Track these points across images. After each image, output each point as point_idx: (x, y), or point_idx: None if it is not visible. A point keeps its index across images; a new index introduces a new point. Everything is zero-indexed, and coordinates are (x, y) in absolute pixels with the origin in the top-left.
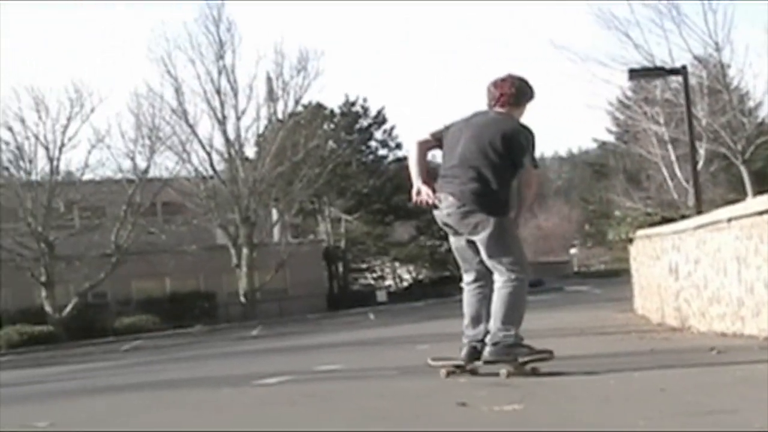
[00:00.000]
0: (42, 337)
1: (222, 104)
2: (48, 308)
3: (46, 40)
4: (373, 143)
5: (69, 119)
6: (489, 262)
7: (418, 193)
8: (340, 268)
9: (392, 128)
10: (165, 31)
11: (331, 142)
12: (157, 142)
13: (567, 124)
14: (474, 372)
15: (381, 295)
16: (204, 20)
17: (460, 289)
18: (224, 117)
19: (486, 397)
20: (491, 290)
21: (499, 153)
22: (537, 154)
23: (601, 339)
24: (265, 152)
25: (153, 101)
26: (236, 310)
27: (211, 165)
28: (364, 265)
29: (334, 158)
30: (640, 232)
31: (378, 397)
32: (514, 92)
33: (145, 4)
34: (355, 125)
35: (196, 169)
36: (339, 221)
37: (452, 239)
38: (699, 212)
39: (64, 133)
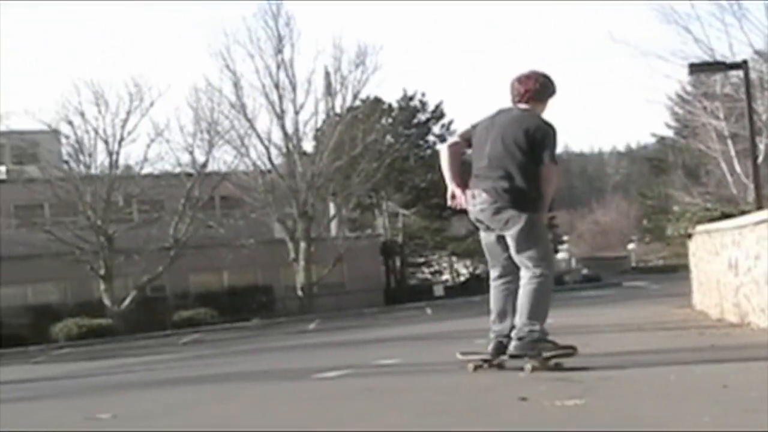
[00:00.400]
0: (100, 330)
1: (280, 98)
2: (106, 301)
3: (106, 35)
4: (431, 138)
5: (128, 113)
6: (517, 258)
7: (453, 197)
8: (398, 263)
9: (450, 122)
10: (224, 26)
11: (388, 137)
12: (216, 137)
13: (625, 119)
14: (501, 366)
15: (438, 290)
16: (263, 15)
17: None
18: (282, 111)
19: (546, 391)
20: (517, 286)
21: (523, 150)
22: (557, 149)
23: (660, 335)
24: (323, 146)
25: (212, 95)
26: (293, 304)
27: (269, 159)
28: (421, 260)
29: (392, 152)
30: (700, 228)
31: (438, 392)
32: (539, 88)
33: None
34: (413, 119)
35: (254, 163)
36: (396, 216)
37: (483, 235)
38: (759, 208)
39: (123, 127)
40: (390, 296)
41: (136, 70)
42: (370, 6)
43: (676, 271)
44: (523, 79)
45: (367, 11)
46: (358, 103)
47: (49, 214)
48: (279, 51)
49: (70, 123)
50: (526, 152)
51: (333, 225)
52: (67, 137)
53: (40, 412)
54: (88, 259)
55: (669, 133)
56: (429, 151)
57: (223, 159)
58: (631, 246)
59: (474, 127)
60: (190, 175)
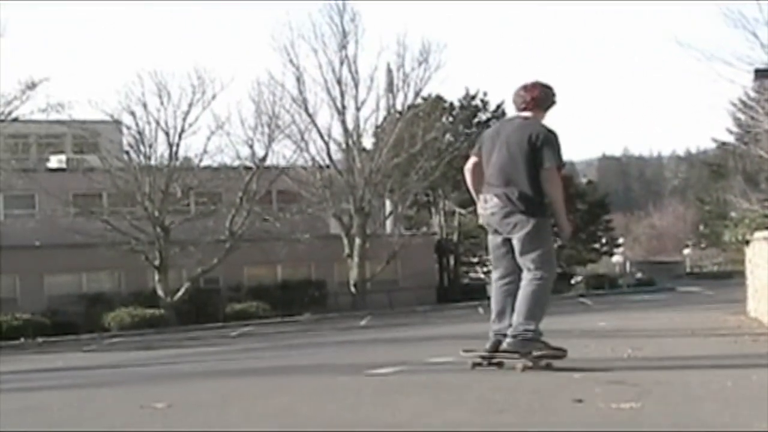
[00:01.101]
0: (153, 320)
1: (342, 94)
2: (160, 292)
3: (171, 26)
4: None
5: (190, 105)
6: (520, 260)
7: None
8: (452, 261)
9: None
10: (289, 20)
11: (448, 135)
12: (276, 131)
13: (686, 123)
14: (500, 364)
15: (491, 289)
16: (328, 10)
17: (570, 285)
18: (344, 107)
19: (602, 394)
20: (517, 287)
21: (527, 157)
22: (562, 154)
23: (714, 340)
24: (382, 143)
25: (274, 89)
26: (346, 300)
27: (329, 154)
28: (475, 259)
29: (451, 151)
30: (758, 234)
31: (494, 391)
32: (543, 96)
33: None
34: (473, 119)
35: (313, 159)
36: (453, 214)
37: (490, 237)
38: None
39: (185, 119)
40: (443, 294)
41: (200, 62)
42: (436, 3)
43: (731, 277)
44: (528, 87)
45: (432, 8)
46: (419, 100)
47: (107, 203)
48: (343, 47)
49: (132, 113)
50: (530, 158)
51: (389, 222)
52: (128, 128)
53: (95, 400)
54: (144, 250)
55: (730, 139)
56: None
57: (282, 153)
58: (686, 251)
59: (482, 139)
60: (248, 168)
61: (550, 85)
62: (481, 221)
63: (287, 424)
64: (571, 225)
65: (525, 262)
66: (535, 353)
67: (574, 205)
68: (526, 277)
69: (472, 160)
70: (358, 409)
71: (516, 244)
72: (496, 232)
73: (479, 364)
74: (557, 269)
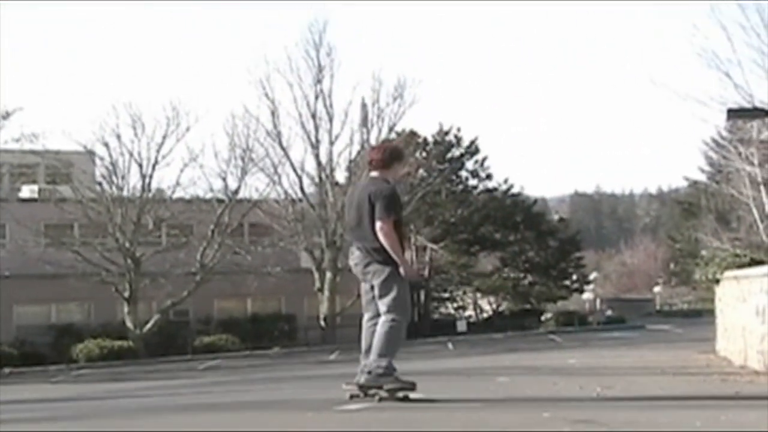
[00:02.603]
0: (122, 352)
1: (316, 128)
2: (129, 324)
3: (147, 58)
4: (463, 173)
5: (164, 137)
6: (378, 303)
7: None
8: (422, 297)
9: (484, 159)
10: (265, 54)
11: (421, 170)
12: (250, 164)
13: (658, 161)
14: (374, 396)
15: (461, 325)
16: (305, 44)
17: (540, 322)
18: (318, 141)
19: None
20: None
21: (370, 214)
22: (391, 207)
23: (683, 379)
24: (355, 177)
25: (248, 123)
26: (315, 334)
27: (301, 188)
28: (446, 294)
29: (424, 186)
30: (728, 273)
31: (461, 429)
32: (383, 157)
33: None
34: (447, 154)
35: (285, 192)
36: (424, 249)
37: (362, 284)
38: None
39: (158, 150)
40: (413, 330)
41: (175, 94)
42: (411, 39)
43: (701, 315)
44: (375, 149)
45: (407, 44)
46: (393, 135)
47: (78, 234)
48: (318, 81)
49: (106, 144)
50: (371, 214)
51: None
52: (101, 158)
53: None
54: (114, 281)
55: (702, 177)
56: (461, 187)
57: (255, 186)
58: (656, 289)
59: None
60: (221, 201)
61: (394, 144)
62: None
63: None
64: (417, 270)
65: (381, 305)
66: (387, 387)
67: (545, 241)
68: (381, 319)
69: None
70: None
71: (375, 289)
72: (363, 279)
73: (356, 396)
74: (409, 314)
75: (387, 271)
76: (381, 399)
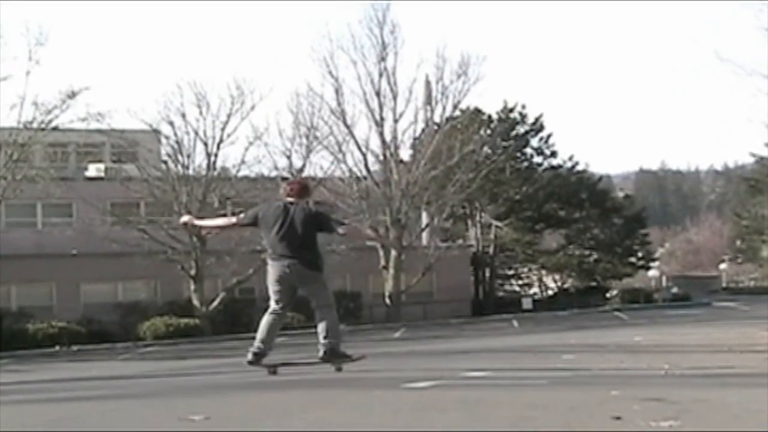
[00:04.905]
0: (188, 330)
1: (381, 106)
2: (195, 301)
3: (211, 37)
4: (528, 150)
5: (229, 115)
6: (318, 298)
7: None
8: (487, 274)
9: (549, 136)
10: (329, 32)
11: (486, 148)
12: (314, 142)
13: (725, 138)
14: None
15: (526, 303)
16: (368, 22)
17: (605, 300)
18: (382, 119)
19: (640, 411)
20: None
21: (312, 229)
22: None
23: (750, 357)
24: (420, 155)
25: (313, 101)
26: (380, 312)
27: (366, 166)
28: (510, 272)
29: (489, 164)
30: None
31: (530, 407)
32: (300, 189)
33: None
34: (511, 132)
35: (350, 170)
36: (489, 227)
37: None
38: None
39: (223, 129)
40: (477, 307)
41: (239, 73)
42: (476, 15)
43: None
44: (292, 183)
45: (471, 20)
46: (457, 113)
47: (144, 212)
48: (382, 59)
49: (171, 123)
50: (315, 230)
51: (425, 234)
52: (167, 137)
53: (131, 412)
54: (180, 259)
55: None
56: (525, 164)
57: (319, 164)
58: (722, 266)
59: (259, 213)
60: (285, 178)
61: (307, 181)
62: (277, 274)
63: None
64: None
65: (321, 300)
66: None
67: (610, 219)
68: (326, 310)
69: (240, 217)
70: (395, 425)
71: (314, 291)
72: (298, 283)
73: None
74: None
75: (321, 277)
76: (338, 369)
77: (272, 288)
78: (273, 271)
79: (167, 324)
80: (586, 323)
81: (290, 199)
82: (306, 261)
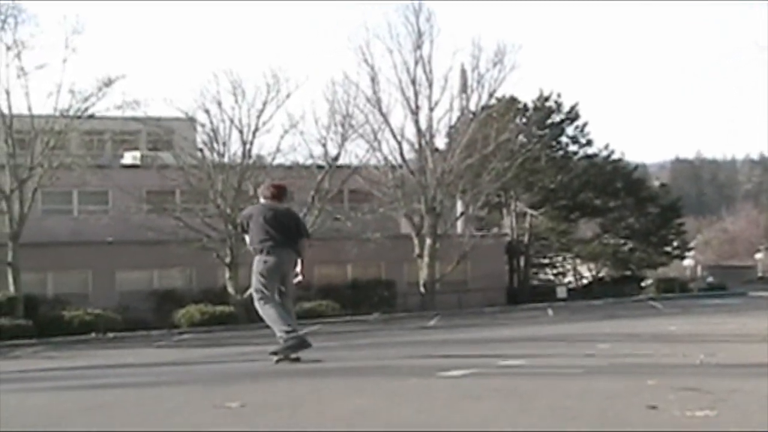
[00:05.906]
0: (223, 318)
1: (416, 95)
2: (230, 289)
3: (247, 26)
4: (563, 139)
5: (265, 104)
6: (289, 288)
7: None
8: (522, 263)
9: (584, 124)
10: (365, 21)
11: (521, 136)
12: (350, 130)
13: (761, 126)
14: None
15: (561, 292)
16: (404, 10)
17: (640, 289)
18: (417, 107)
19: (676, 401)
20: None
21: (296, 227)
22: None
23: None
24: (455, 144)
25: (348, 89)
26: (415, 300)
27: (401, 154)
28: (545, 261)
29: (524, 152)
30: None
31: (565, 397)
32: (280, 193)
33: None
34: (547, 120)
35: (385, 158)
36: (524, 216)
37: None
38: None
39: (259, 117)
40: (512, 296)
41: (275, 61)
42: (511, 4)
43: None
44: (271, 186)
45: (507, 9)
46: (493, 101)
47: (179, 200)
48: (418, 47)
49: (207, 111)
50: (298, 228)
51: (460, 222)
52: (202, 125)
53: (168, 399)
54: (215, 247)
55: None
56: (561, 153)
57: (355, 152)
58: (758, 256)
59: (248, 216)
60: (321, 167)
61: (285, 185)
62: (273, 263)
63: (361, 427)
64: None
65: (290, 291)
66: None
67: (645, 208)
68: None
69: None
70: (431, 413)
71: (289, 279)
72: (287, 272)
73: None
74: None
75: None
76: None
77: (267, 276)
78: (272, 259)
79: (202, 312)
80: (620, 312)
81: (272, 201)
82: (297, 251)
